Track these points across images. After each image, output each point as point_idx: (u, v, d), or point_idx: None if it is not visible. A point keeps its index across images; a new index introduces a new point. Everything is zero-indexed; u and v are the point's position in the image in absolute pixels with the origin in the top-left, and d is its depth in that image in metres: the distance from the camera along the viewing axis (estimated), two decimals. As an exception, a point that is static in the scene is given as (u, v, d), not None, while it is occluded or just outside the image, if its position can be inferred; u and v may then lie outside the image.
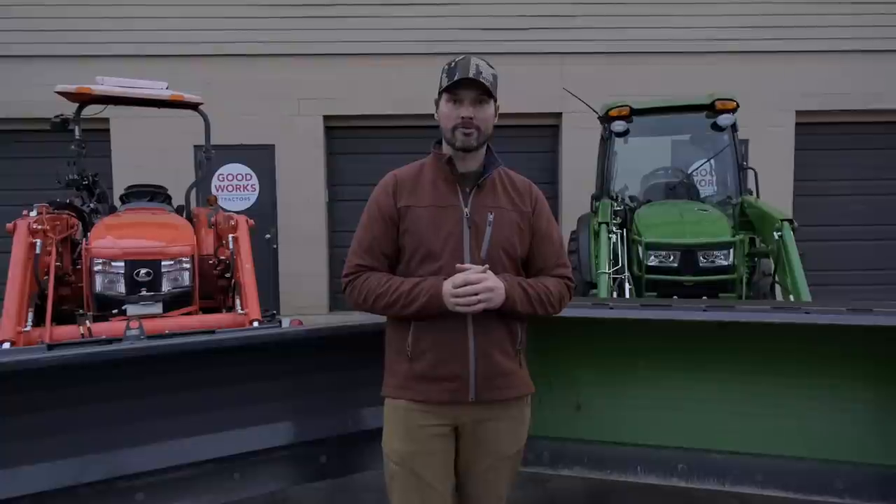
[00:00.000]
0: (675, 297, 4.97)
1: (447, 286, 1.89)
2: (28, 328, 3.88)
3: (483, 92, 1.96)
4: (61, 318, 4.21)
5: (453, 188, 2.02)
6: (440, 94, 2.02)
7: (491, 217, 1.99)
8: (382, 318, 2.12)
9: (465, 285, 1.87)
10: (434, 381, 1.97)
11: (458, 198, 2.01)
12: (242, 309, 4.36)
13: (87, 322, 3.99)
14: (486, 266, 1.91)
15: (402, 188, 2.03)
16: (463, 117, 1.95)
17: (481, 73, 1.94)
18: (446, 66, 1.99)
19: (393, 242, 2.02)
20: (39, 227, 4.12)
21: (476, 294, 1.86)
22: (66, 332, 3.93)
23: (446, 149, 2.05)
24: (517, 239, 2.03)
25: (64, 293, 4.33)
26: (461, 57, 1.98)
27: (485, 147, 2.05)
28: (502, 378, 2.00)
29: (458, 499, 2.10)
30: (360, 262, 2.03)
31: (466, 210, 1.99)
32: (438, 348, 1.96)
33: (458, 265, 1.91)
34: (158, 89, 5.21)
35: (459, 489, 2.10)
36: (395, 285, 1.96)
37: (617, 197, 6.24)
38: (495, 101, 2.03)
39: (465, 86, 1.95)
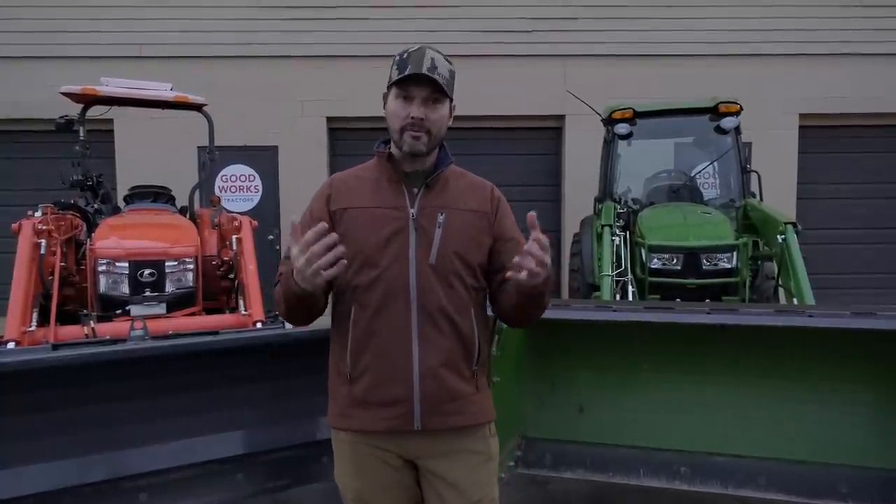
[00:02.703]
0: (677, 299, 4.97)
1: (294, 250, 1.56)
2: (32, 328, 3.89)
3: (436, 90, 1.72)
4: (65, 319, 4.22)
5: (398, 188, 1.78)
6: (389, 87, 1.78)
7: (441, 218, 1.74)
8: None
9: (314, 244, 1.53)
10: (374, 407, 1.72)
11: (403, 199, 1.77)
12: (246, 310, 4.37)
13: (91, 322, 4.00)
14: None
15: (338, 191, 1.81)
16: (413, 117, 1.72)
17: (436, 67, 1.71)
18: (397, 57, 1.75)
19: None
20: (44, 227, 4.13)
21: (543, 262, 1.57)
22: (71, 332, 3.94)
23: (394, 147, 1.82)
24: (474, 244, 1.78)
25: (68, 293, 4.34)
26: (415, 48, 1.74)
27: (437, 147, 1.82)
28: (452, 403, 1.73)
29: None
30: (284, 269, 1.74)
31: (413, 211, 1.75)
32: (378, 367, 1.72)
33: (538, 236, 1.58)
34: (163, 91, 5.23)
35: None
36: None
37: (620, 199, 6.23)
38: (451, 100, 1.79)
39: (416, 82, 1.71)
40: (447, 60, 1.77)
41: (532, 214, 1.59)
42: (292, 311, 1.73)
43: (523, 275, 1.58)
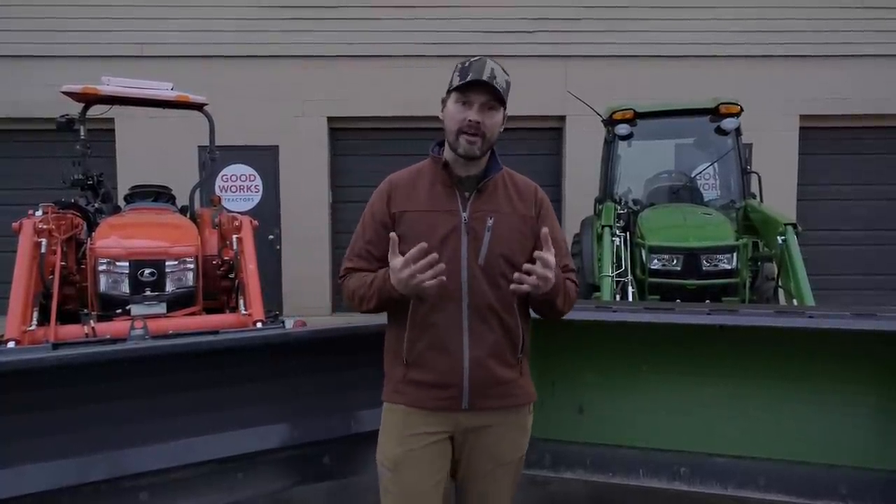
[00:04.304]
0: (678, 300, 4.97)
1: (395, 273, 1.79)
2: (33, 327, 3.89)
3: (494, 98, 1.87)
4: (66, 318, 4.23)
5: (451, 192, 1.94)
6: (449, 92, 1.92)
7: (490, 222, 1.90)
8: (384, 319, 2.09)
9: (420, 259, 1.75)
10: (427, 388, 1.92)
11: (456, 203, 1.93)
12: (246, 310, 4.38)
13: (92, 322, 4.01)
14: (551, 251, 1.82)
15: (397, 193, 1.97)
16: (470, 121, 1.86)
17: (495, 77, 1.86)
18: (459, 65, 1.90)
19: (386, 248, 1.91)
20: (45, 226, 4.14)
21: (539, 277, 1.77)
22: (71, 331, 3.94)
23: (447, 152, 1.96)
24: (518, 245, 1.94)
25: (68, 293, 4.34)
26: (476, 58, 1.89)
27: (488, 152, 1.97)
28: (498, 387, 1.93)
29: None
30: (350, 265, 2.01)
31: (465, 215, 1.91)
32: (432, 356, 1.91)
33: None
34: (164, 90, 5.23)
35: (458, 499, 2.04)
36: (362, 281, 1.93)
37: (620, 200, 6.24)
38: (504, 108, 1.95)
39: (476, 89, 1.85)
40: (505, 72, 1.92)
41: (545, 231, 1.82)
42: (376, 308, 1.93)
43: (524, 287, 1.80)
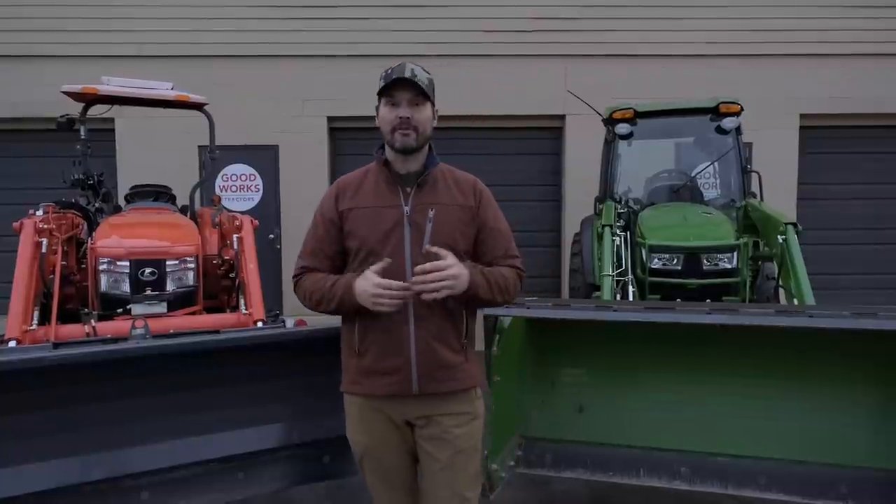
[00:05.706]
0: (678, 300, 4.97)
1: (364, 283, 1.94)
2: (34, 327, 3.89)
3: (418, 93, 2.02)
4: (66, 317, 4.22)
5: (394, 188, 2.08)
6: (379, 99, 2.07)
7: (431, 213, 2.03)
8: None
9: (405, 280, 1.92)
10: (378, 375, 2.05)
11: (398, 197, 2.06)
12: (246, 309, 4.37)
13: (92, 321, 4.00)
14: (448, 253, 1.95)
15: (344, 192, 2.12)
16: (400, 117, 2.00)
17: (416, 75, 2.01)
18: (383, 73, 2.05)
19: (336, 244, 2.12)
20: (45, 226, 4.13)
21: (442, 280, 1.90)
22: (72, 330, 3.94)
23: (388, 152, 2.10)
24: (460, 234, 2.07)
25: (69, 292, 4.34)
26: (396, 63, 2.05)
27: (426, 147, 2.11)
28: (444, 370, 2.05)
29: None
30: (305, 264, 2.18)
31: (406, 208, 2.05)
32: (381, 343, 2.04)
33: (415, 268, 1.94)
34: (164, 90, 5.23)
35: (420, 492, 2.14)
36: (321, 283, 2.08)
37: (621, 199, 6.24)
38: (433, 104, 2.09)
39: (400, 87, 2.01)
40: (426, 71, 2.08)
41: (427, 248, 1.97)
42: (334, 311, 2.09)
43: (433, 295, 1.92)
